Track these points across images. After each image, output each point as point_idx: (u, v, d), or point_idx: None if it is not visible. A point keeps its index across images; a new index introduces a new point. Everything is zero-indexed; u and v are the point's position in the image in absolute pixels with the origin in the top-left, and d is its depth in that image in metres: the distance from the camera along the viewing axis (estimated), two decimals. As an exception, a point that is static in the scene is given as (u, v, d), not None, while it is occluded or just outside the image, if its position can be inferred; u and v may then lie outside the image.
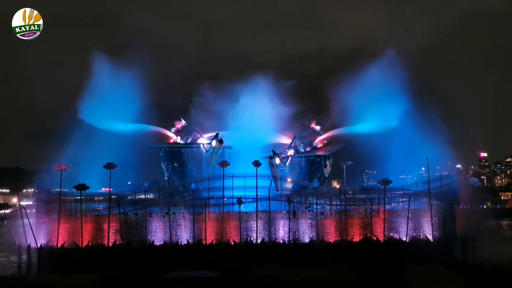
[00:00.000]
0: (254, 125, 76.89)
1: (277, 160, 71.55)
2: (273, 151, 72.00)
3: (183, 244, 58.23)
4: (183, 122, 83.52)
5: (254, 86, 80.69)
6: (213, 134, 77.57)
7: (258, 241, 58.11)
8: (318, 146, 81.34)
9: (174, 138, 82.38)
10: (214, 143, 75.15)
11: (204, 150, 78.75)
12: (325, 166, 78.44)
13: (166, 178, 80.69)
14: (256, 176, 60.58)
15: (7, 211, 66.63)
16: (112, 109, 74.49)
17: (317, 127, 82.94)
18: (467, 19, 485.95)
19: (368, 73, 77.84)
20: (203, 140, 79.49)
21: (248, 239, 58.36)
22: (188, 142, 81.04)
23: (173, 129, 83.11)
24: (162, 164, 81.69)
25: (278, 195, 62.83)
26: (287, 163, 78.00)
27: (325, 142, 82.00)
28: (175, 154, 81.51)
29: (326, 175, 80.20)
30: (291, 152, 78.99)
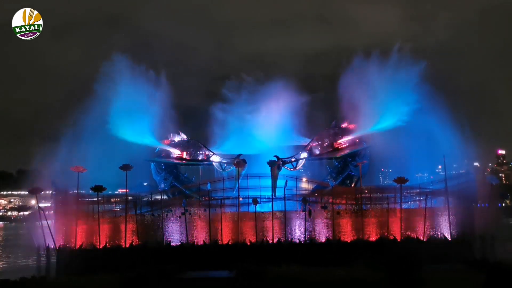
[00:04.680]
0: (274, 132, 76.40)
1: (279, 167, 70.15)
2: (276, 156, 70.97)
3: (199, 244, 58.49)
4: (183, 136, 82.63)
5: (273, 95, 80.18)
6: (213, 146, 76.91)
7: (274, 241, 58.12)
8: (340, 147, 79.36)
9: (178, 153, 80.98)
10: (238, 165, 72.88)
11: (220, 169, 77.54)
12: (355, 166, 75.96)
13: (166, 189, 78.43)
14: (271, 175, 60.65)
15: (26, 213, 67.42)
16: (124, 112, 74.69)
17: (352, 126, 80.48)
18: (487, 14, 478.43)
19: (382, 70, 77.04)
20: (217, 158, 78.22)
21: (264, 239, 58.35)
22: (199, 159, 79.97)
23: (166, 141, 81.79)
24: (156, 175, 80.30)
25: (294, 195, 62.75)
26: (298, 167, 76.84)
27: (356, 141, 79.69)
28: (178, 168, 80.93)
29: (356, 174, 77.03)
30: (304, 154, 77.65)
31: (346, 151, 78.09)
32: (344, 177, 77.32)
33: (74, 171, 57.88)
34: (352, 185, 76.44)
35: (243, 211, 60.02)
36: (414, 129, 70.38)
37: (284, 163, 72.53)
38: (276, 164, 69.62)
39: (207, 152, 79.77)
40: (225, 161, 76.87)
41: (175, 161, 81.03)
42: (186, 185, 78.05)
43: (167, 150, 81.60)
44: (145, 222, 59.78)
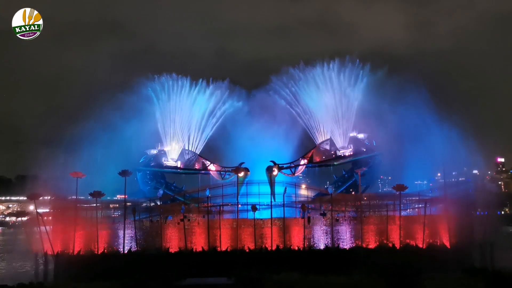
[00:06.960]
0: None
1: (275, 172, 70.12)
2: (273, 161, 70.80)
3: (198, 251, 58.30)
4: (174, 145, 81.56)
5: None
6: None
7: (273, 247, 57.94)
8: (344, 155, 78.19)
9: (173, 162, 79.98)
10: (241, 173, 70.82)
11: (219, 178, 76.67)
12: (362, 174, 73.51)
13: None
14: (270, 182, 60.49)
15: (24, 218, 67.18)
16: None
17: (361, 136, 79.09)
18: (486, 20, 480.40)
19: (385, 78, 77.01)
20: (214, 167, 77.48)
21: (263, 245, 58.18)
22: (196, 168, 79.16)
23: (155, 150, 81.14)
24: (144, 186, 78.83)
25: (293, 202, 62.60)
26: (296, 173, 76.28)
27: (363, 150, 77.90)
28: (166, 177, 79.84)
29: (361, 183, 74.90)
30: (304, 161, 77.11)
31: (348, 159, 77.25)
32: (349, 185, 76.52)
33: (73, 177, 57.79)
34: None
35: (242, 217, 59.91)
36: (414, 136, 70.19)
37: (281, 168, 71.83)
38: (272, 169, 69.47)
39: (203, 161, 78.97)
40: (225, 170, 75.94)
41: (170, 170, 79.76)
42: (179, 193, 76.79)
43: (158, 159, 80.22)
44: (143, 228, 59.64)
